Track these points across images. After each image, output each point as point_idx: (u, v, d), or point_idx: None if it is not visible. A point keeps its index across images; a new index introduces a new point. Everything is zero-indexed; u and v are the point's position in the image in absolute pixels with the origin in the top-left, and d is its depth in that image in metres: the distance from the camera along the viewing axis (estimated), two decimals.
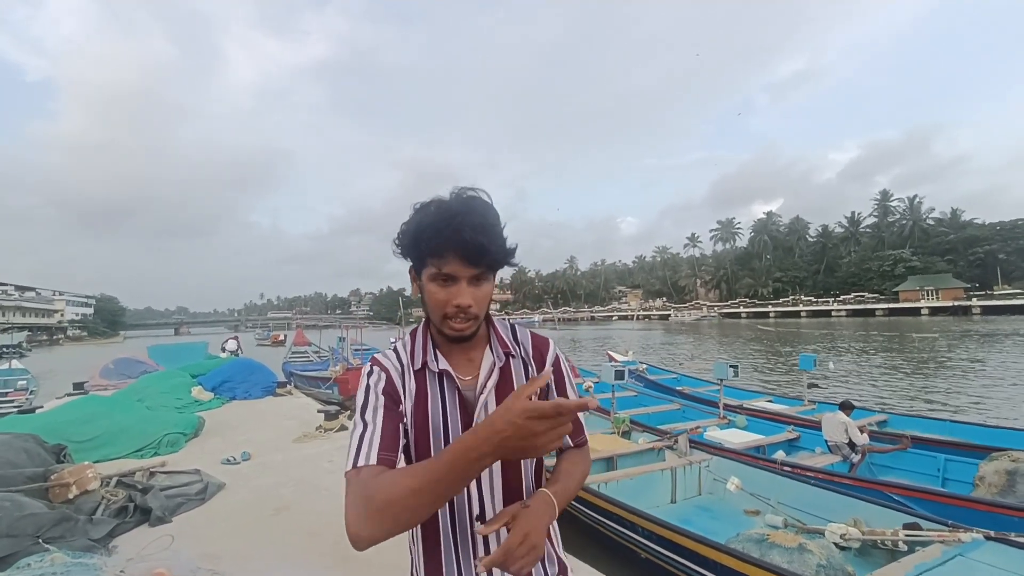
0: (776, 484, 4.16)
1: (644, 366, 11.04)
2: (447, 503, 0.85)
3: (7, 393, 10.50)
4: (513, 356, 0.94)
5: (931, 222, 69.06)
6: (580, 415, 0.94)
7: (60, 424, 5.38)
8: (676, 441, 5.03)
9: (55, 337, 66.84)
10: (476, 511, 0.87)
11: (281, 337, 41.55)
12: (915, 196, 71.04)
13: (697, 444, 5.18)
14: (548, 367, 0.96)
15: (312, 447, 5.44)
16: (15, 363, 13.17)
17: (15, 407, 9.04)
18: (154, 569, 1.55)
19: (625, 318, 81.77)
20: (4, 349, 17.48)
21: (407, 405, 0.88)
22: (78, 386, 10.10)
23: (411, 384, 0.89)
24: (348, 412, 6.60)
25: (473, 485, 0.87)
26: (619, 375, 6.19)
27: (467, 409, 0.88)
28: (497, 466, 0.88)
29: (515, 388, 0.91)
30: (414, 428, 0.87)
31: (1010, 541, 2.74)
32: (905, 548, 2.96)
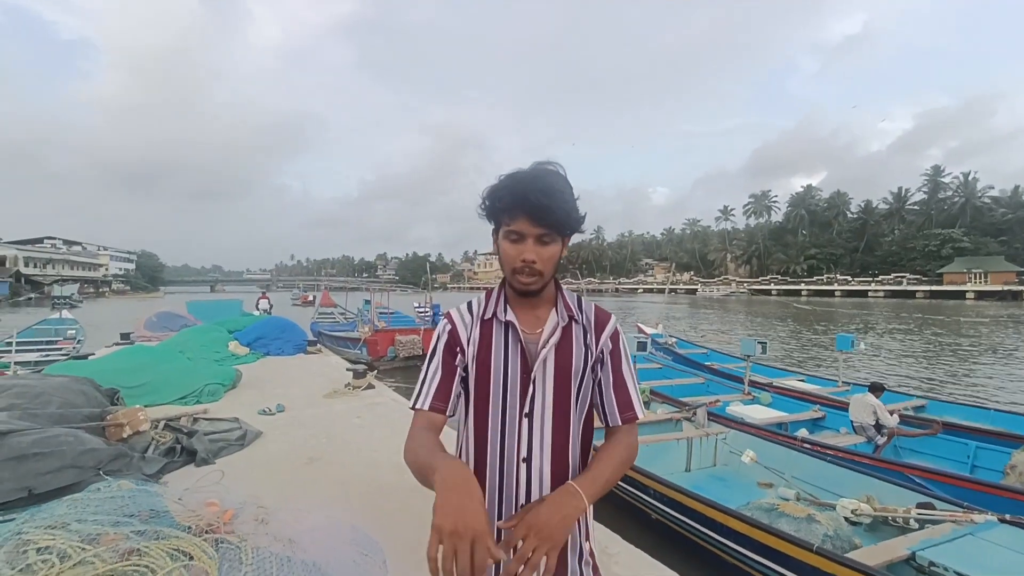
0: (793, 459, 4.18)
1: (673, 339, 11.00)
2: (500, 448, 0.98)
3: (57, 341, 11.19)
4: (576, 321, 1.03)
5: (987, 200, 64.78)
6: (631, 386, 1.03)
7: (111, 371, 5.79)
8: (694, 413, 5.08)
9: (100, 290, 70.59)
10: (524, 454, 0.98)
11: (310, 298, 42.74)
12: (970, 172, 66.59)
13: (717, 417, 5.22)
14: (605, 337, 1.04)
15: (342, 403, 5.71)
16: (65, 313, 13.93)
17: (63, 355, 9.64)
18: (207, 500, 1.73)
19: (651, 291, 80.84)
20: (57, 300, 18.49)
21: (469, 352, 1.00)
22: (125, 336, 10.74)
23: (475, 333, 1.01)
24: (375, 372, 6.86)
25: (524, 431, 0.98)
26: (641, 346, 6.23)
27: (527, 359, 0.99)
28: (549, 422, 0.99)
29: (574, 348, 1.00)
30: (476, 369, 1.00)
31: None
32: (916, 526, 2.98)
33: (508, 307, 1.01)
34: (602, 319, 1.05)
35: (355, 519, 2.24)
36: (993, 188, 65.45)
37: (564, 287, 1.07)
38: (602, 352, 1.02)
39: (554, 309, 1.02)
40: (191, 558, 1.36)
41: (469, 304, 1.05)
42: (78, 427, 3.29)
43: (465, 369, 1.01)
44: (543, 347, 0.98)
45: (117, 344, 10.03)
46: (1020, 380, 10.78)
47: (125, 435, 3.71)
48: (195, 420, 4.64)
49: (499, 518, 0.97)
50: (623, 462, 0.98)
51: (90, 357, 7.83)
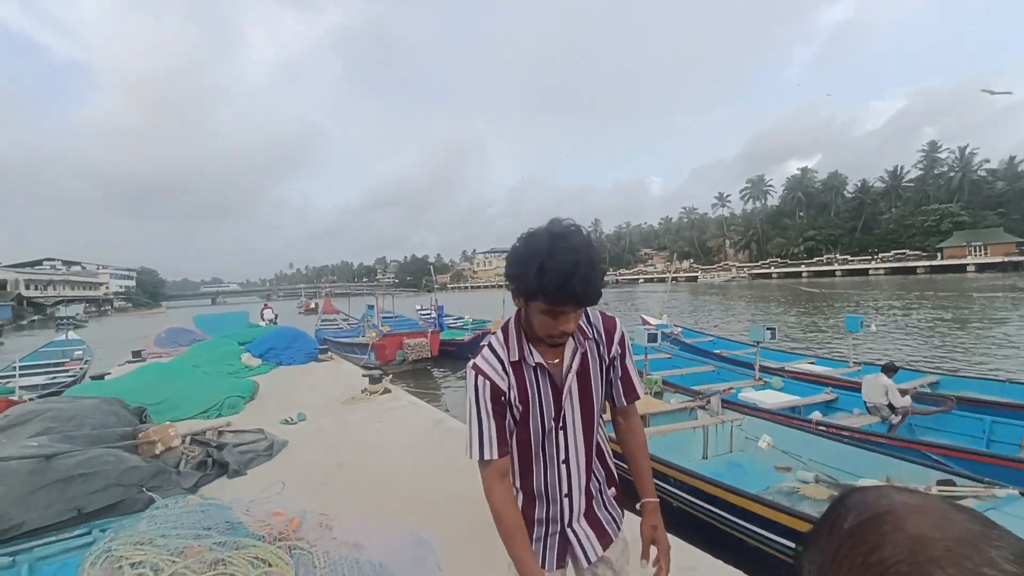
0: (809, 443, 4.25)
1: (679, 329, 11.05)
2: (543, 454, 1.19)
3: (64, 363, 11.13)
4: (589, 339, 1.19)
5: (983, 173, 64.70)
6: (633, 374, 1.25)
7: (132, 389, 5.88)
8: (708, 401, 5.15)
9: (103, 308, 70.71)
10: (563, 457, 1.20)
11: (312, 305, 42.84)
12: (967, 146, 66.42)
13: (730, 404, 5.29)
14: (615, 345, 1.22)
15: (360, 409, 5.79)
16: (71, 334, 13.89)
17: (71, 376, 9.47)
18: (272, 509, 1.81)
19: (651, 280, 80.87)
20: (62, 320, 18.31)
21: (510, 395, 1.14)
22: (136, 354, 10.79)
23: (511, 377, 1.14)
24: (390, 376, 6.95)
25: (561, 440, 1.19)
26: (652, 338, 6.28)
27: (557, 387, 1.16)
28: (580, 430, 1.20)
29: (590, 367, 1.18)
30: (520, 408, 1.15)
31: None
32: None
33: (532, 348, 1.14)
34: (609, 328, 1.21)
35: (403, 518, 2.32)
36: (989, 161, 65.39)
37: None
38: (614, 357, 1.22)
39: (571, 336, 1.15)
40: (269, 565, 1.44)
41: (492, 350, 1.15)
42: (114, 446, 3.38)
43: (510, 406, 1.15)
44: (567, 374, 1.15)
45: (129, 362, 10.10)
46: None
47: (157, 451, 3.80)
48: (220, 433, 4.71)
49: (547, 506, 1.20)
50: (645, 444, 1.31)
51: (106, 377, 7.89)
